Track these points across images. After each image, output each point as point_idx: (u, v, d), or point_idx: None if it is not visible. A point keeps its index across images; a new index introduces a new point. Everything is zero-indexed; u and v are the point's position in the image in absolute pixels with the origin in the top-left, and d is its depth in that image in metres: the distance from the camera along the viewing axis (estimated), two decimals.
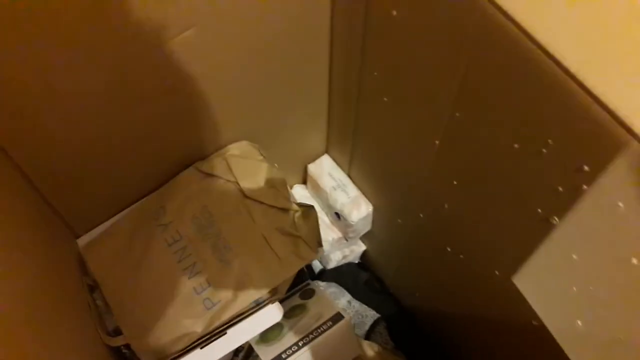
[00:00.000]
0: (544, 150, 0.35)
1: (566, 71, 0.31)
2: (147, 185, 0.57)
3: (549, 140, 0.34)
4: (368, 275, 0.75)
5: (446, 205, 0.51)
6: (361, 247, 0.76)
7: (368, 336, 0.68)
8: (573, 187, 0.34)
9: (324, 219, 0.71)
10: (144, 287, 0.53)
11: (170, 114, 0.51)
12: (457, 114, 0.43)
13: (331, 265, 0.74)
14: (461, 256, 0.52)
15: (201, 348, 0.48)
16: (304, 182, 0.74)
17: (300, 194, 0.73)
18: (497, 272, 0.47)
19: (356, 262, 0.78)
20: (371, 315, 0.70)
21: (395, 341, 0.67)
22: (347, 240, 0.72)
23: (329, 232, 0.70)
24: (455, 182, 0.48)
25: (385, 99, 0.52)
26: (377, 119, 0.56)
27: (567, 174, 0.34)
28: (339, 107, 0.63)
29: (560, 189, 0.35)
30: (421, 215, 0.57)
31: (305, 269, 0.56)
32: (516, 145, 0.38)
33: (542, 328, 0.44)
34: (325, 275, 0.73)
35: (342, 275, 0.73)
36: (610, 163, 0.31)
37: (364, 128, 0.60)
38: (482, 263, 0.49)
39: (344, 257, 0.75)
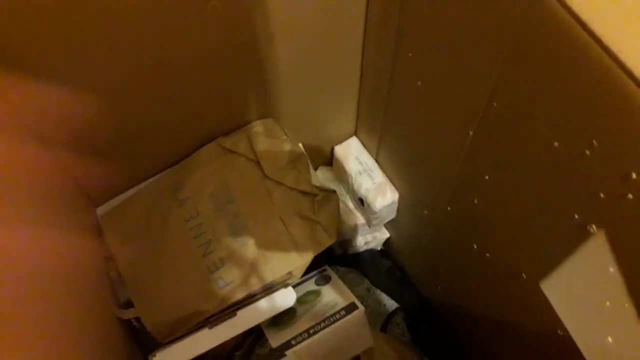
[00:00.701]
0: (588, 152, 0.32)
1: (622, 66, 0.27)
2: (168, 157, 0.56)
3: (594, 142, 0.31)
4: (390, 263, 0.73)
5: (476, 201, 0.48)
6: (384, 235, 0.73)
7: (385, 326, 0.66)
8: (617, 194, 0.31)
9: (347, 203, 0.69)
10: (158, 262, 0.53)
11: (196, 85, 0.49)
12: (495, 104, 0.40)
13: (352, 250, 0.72)
14: (487, 255, 0.50)
15: (210, 328, 0.48)
16: (330, 163, 0.72)
17: (324, 175, 0.71)
18: (524, 275, 0.44)
19: (378, 249, 0.76)
20: (390, 304, 0.68)
21: (412, 333, 0.65)
22: (370, 226, 0.69)
23: (352, 217, 0.68)
24: (487, 177, 0.45)
25: (418, 82, 0.49)
26: (408, 104, 0.53)
27: (612, 180, 0.31)
28: (370, 89, 0.60)
29: (602, 195, 0.32)
30: (449, 209, 0.54)
31: (324, 252, 0.54)
32: (556, 144, 0.34)
33: (568, 339, 0.41)
34: (346, 260, 0.71)
35: (363, 262, 0.72)
36: None
37: (395, 112, 0.57)
38: (509, 264, 0.46)
39: (366, 243, 0.73)
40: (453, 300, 0.63)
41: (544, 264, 0.41)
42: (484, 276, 0.53)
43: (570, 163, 0.34)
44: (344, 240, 0.70)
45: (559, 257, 0.39)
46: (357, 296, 0.66)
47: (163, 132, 0.53)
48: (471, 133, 0.44)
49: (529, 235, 0.42)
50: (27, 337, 0.33)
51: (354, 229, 0.68)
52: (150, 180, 0.56)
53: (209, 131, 0.56)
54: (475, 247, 0.51)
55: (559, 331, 0.42)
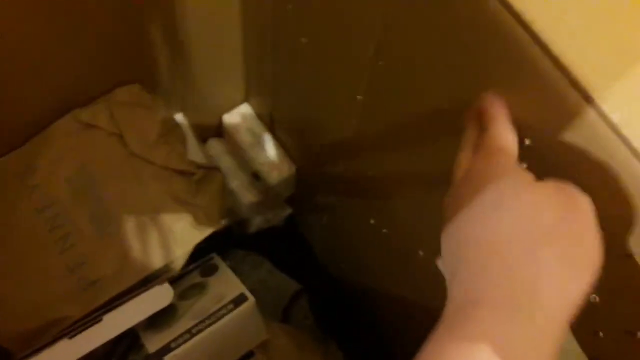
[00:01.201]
0: None
1: (518, 18, 0.23)
2: (11, 136, 0.47)
3: None
4: (294, 242, 0.68)
5: (370, 173, 0.44)
6: (286, 211, 0.68)
7: (288, 309, 0.61)
8: None
9: (242, 178, 0.63)
10: (7, 261, 0.45)
11: (42, 38, 0.41)
12: (381, 62, 0.35)
13: (252, 230, 0.66)
14: (384, 230, 0.46)
15: (70, 338, 0.40)
16: (220, 134, 0.65)
17: (215, 149, 0.64)
18: (420, 252, 0.41)
19: (280, 226, 0.70)
20: (293, 285, 0.63)
21: (316, 315, 0.61)
22: (267, 203, 0.63)
23: (246, 194, 0.62)
24: (379, 146, 0.40)
25: (303, 39, 0.43)
26: (296, 65, 0.47)
27: None
28: (254, 47, 0.53)
29: None
30: (346, 182, 0.50)
31: (219, 235, 0.48)
32: (446, 106, 0.30)
33: None
34: (245, 241, 0.65)
35: (264, 242, 0.66)
36: (558, 137, 0.23)
37: (284, 74, 0.51)
38: (405, 240, 0.43)
39: (267, 221, 0.67)
40: (357, 278, 0.59)
41: (439, 241, 0.37)
42: (383, 252, 0.49)
43: (461, 129, 0.29)
44: (241, 219, 0.64)
45: None
46: (257, 280, 0.61)
47: (4, 103, 0.43)
48: (360, 97, 0.39)
49: (424, 210, 0.38)
50: None
51: (250, 207, 0.62)
52: None
53: (61, 102, 0.48)
54: (373, 222, 0.47)
55: None
